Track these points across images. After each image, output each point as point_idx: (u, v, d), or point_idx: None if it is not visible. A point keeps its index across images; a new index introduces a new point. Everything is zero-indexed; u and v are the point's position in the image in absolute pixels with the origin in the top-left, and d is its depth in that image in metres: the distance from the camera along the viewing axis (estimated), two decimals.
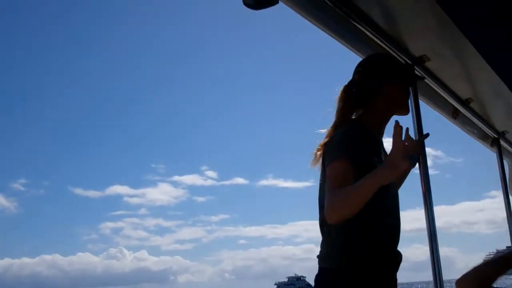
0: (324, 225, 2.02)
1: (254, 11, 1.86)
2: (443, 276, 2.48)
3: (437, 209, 2.59)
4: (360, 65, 2.24)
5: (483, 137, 4.04)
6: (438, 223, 2.57)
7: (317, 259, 2.06)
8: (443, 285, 2.47)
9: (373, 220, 1.98)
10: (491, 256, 2.03)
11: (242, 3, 1.87)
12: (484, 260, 2.02)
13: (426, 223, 2.56)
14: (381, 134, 2.18)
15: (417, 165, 2.60)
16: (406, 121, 2.71)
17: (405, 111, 2.21)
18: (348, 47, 2.37)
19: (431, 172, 2.64)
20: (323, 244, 2.04)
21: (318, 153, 2.09)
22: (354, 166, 1.89)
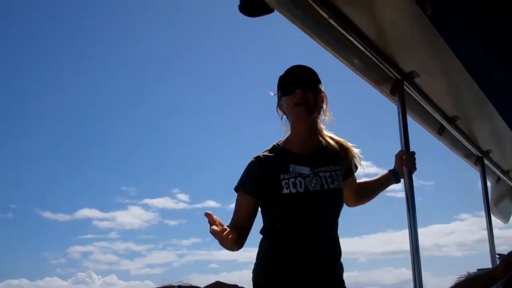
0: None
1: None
2: None
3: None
4: None
5: (467, 155, 4.05)
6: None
7: None
8: None
9: (283, 238, 2.13)
10: (462, 278, 2.03)
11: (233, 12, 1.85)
12: (462, 279, 2.01)
13: (410, 242, 2.54)
14: (307, 146, 2.21)
15: (402, 185, 2.60)
16: (392, 136, 2.71)
17: (295, 113, 2.18)
18: (338, 58, 2.35)
19: (401, 195, 2.65)
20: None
21: None
22: (249, 193, 2.14)
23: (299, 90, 2.12)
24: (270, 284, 2.12)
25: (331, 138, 2.30)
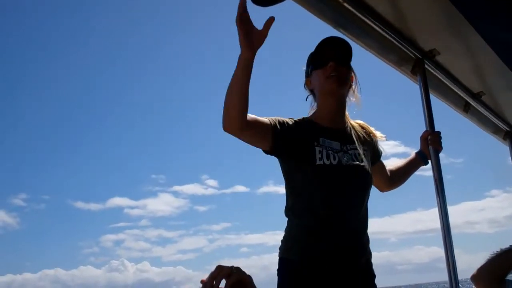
0: (286, 217, 2.11)
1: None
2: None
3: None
4: None
5: (495, 130, 3.98)
6: (440, 224, 2.52)
7: None
8: (458, 284, 2.44)
9: (317, 212, 2.00)
10: (494, 255, 2.00)
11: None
12: (497, 252, 1.99)
13: (440, 222, 2.52)
14: (335, 122, 2.15)
15: (429, 165, 2.58)
16: (418, 115, 2.69)
17: (328, 86, 2.10)
18: (357, 42, 2.34)
19: (429, 174, 2.61)
20: (283, 235, 2.11)
21: None
22: (273, 126, 1.96)
23: (332, 63, 2.07)
24: (303, 260, 2.00)
25: (355, 121, 2.27)
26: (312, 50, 2.16)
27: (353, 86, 2.19)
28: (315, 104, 2.20)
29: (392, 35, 2.42)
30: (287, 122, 2.04)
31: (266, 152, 2.01)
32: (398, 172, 2.49)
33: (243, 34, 1.70)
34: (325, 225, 2.00)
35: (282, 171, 2.11)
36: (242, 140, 1.92)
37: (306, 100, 2.26)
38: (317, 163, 1.98)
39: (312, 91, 2.22)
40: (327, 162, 1.99)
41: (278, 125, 1.99)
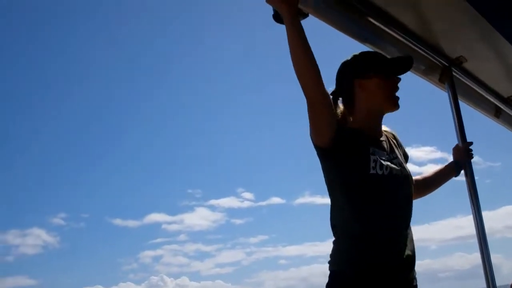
0: (333, 228, 2.01)
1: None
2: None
3: None
4: (337, 72, 2.15)
5: None
6: (476, 233, 2.49)
7: None
8: None
9: (372, 223, 1.92)
10: None
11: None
12: None
13: (476, 230, 2.49)
14: (377, 133, 2.07)
15: (462, 172, 2.55)
16: (448, 124, 2.66)
17: (388, 106, 2.06)
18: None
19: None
20: (332, 248, 2.01)
21: None
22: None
23: (398, 80, 2.05)
24: (357, 273, 1.91)
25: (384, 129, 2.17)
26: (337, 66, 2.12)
27: None
28: (349, 106, 2.09)
29: (418, 45, 2.42)
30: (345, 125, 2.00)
31: (322, 145, 1.93)
32: (429, 180, 2.45)
33: None
34: (378, 237, 1.93)
35: (329, 178, 2.00)
36: (315, 105, 1.86)
37: (332, 96, 2.08)
38: (370, 172, 1.91)
39: (350, 93, 2.08)
40: (380, 172, 1.92)
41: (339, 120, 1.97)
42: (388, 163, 1.97)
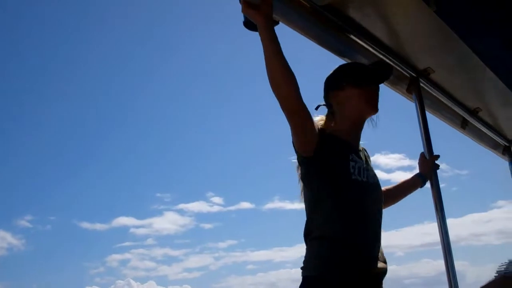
0: (306, 235, 2.01)
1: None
2: None
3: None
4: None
5: (494, 146, 3.99)
6: (440, 241, 2.53)
7: None
8: None
9: (353, 228, 1.94)
10: (504, 266, 2.00)
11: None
12: (503, 275, 1.99)
13: (440, 237, 2.53)
14: (356, 142, 2.11)
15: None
16: (415, 134, 2.70)
17: (366, 111, 2.09)
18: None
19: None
20: (305, 254, 2.00)
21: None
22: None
23: (376, 87, 2.08)
24: (340, 278, 1.90)
25: None
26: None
27: None
28: (332, 116, 2.13)
29: (386, 55, 2.45)
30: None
31: (306, 154, 1.95)
32: (392, 193, 2.47)
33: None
34: (358, 243, 1.94)
35: (311, 184, 2.00)
36: (295, 116, 1.86)
37: (317, 109, 2.17)
38: (352, 178, 1.94)
39: (330, 104, 2.13)
40: (359, 179, 1.96)
41: (319, 129, 1.96)
42: (364, 172, 2.00)
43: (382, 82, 2.13)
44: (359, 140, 2.12)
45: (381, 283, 2.02)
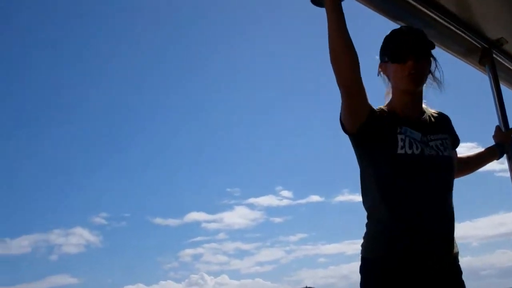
0: (367, 213, 1.96)
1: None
2: None
3: None
4: None
5: None
6: None
7: None
8: None
9: (401, 206, 1.87)
10: None
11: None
12: None
13: None
14: (414, 113, 2.00)
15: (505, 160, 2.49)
16: (489, 107, 2.62)
17: (405, 85, 1.95)
18: None
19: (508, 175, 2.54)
20: (364, 232, 1.97)
21: None
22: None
23: (411, 61, 1.92)
24: (386, 258, 1.86)
25: (433, 111, 2.12)
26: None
27: (433, 70, 2.06)
28: (390, 89, 2.06)
29: (457, 26, 2.39)
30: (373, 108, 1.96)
31: (351, 131, 1.91)
32: (470, 161, 2.38)
33: None
34: (408, 222, 1.86)
35: (362, 164, 1.98)
36: (350, 94, 1.83)
37: (378, 75, 2.09)
38: (398, 152, 1.87)
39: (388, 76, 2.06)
40: (409, 152, 1.87)
41: (371, 106, 1.92)
42: (420, 144, 1.91)
43: (418, 55, 1.95)
44: (417, 110, 2.02)
45: (454, 267, 1.95)
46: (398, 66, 1.94)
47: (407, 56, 1.92)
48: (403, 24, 2.20)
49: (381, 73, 2.07)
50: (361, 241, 1.97)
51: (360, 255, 1.95)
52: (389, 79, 2.04)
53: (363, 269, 1.94)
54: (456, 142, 2.15)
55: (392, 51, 1.97)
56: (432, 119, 2.05)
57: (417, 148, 1.89)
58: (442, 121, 2.10)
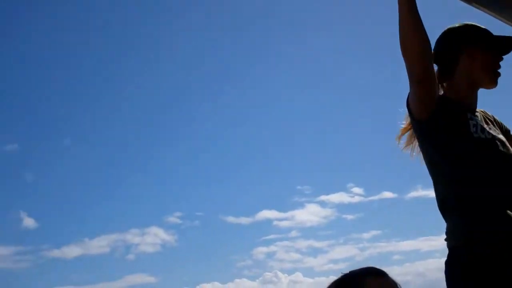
0: (442, 204, 1.91)
1: None
2: None
3: None
4: (440, 36, 2.09)
5: None
6: None
7: None
8: None
9: (485, 189, 1.83)
10: None
11: None
12: None
13: None
14: (472, 108, 2.00)
15: None
16: None
17: (488, 81, 1.98)
18: (499, 18, 2.02)
19: None
20: (447, 224, 1.91)
21: (408, 132, 2.08)
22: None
23: (499, 58, 1.98)
24: (488, 246, 1.77)
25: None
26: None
27: None
28: (445, 74, 2.04)
29: None
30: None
31: (420, 117, 1.89)
32: None
33: None
34: (495, 204, 1.82)
35: (431, 152, 1.93)
36: (421, 83, 1.82)
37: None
38: (475, 136, 1.88)
39: (447, 63, 2.03)
40: (483, 136, 1.89)
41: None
42: (485, 130, 1.92)
43: (507, 52, 1.98)
44: (475, 103, 2.04)
45: None
46: (488, 56, 1.95)
47: (501, 50, 1.95)
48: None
49: (445, 59, 2.02)
50: (437, 237, 1.89)
51: (446, 248, 1.88)
52: (450, 67, 2.01)
53: (455, 260, 1.83)
54: (507, 131, 2.14)
55: (483, 35, 1.97)
56: (480, 113, 2.05)
57: (488, 134, 1.91)
58: (488, 115, 2.09)
